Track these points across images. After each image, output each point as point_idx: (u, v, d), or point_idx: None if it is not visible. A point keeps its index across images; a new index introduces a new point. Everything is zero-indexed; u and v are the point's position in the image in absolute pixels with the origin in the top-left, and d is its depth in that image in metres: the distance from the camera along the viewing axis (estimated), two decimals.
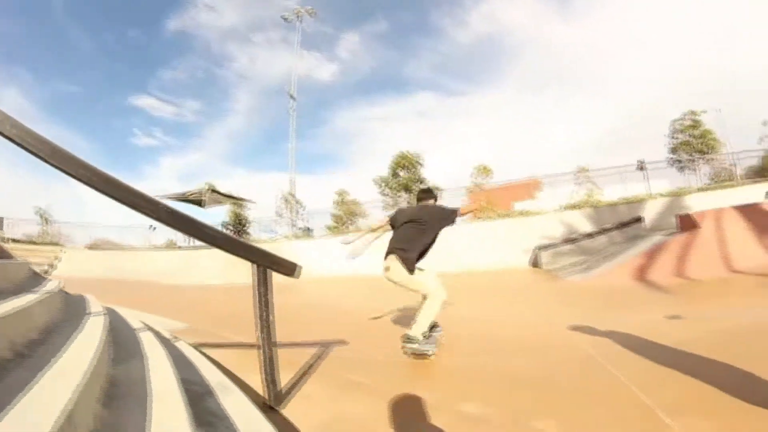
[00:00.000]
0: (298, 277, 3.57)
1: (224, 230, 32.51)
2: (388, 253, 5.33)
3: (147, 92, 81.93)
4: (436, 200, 5.82)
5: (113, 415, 2.04)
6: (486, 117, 79.21)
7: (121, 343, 3.73)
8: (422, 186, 6.01)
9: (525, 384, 3.90)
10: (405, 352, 4.87)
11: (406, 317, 7.48)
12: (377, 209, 30.37)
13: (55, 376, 1.89)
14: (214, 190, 28.01)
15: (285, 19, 36.83)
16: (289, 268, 3.50)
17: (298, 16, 36.23)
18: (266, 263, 3.29)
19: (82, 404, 1.75)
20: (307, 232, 28.18)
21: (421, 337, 4.83)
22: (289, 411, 3.29)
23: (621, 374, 3.79)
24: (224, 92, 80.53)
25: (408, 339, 4.85)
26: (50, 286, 4.20)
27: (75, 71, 65.48)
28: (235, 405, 2.70)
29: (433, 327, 5.13)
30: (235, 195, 31.47)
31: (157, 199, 2.77)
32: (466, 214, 5.80)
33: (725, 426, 2.67)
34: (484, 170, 32.84)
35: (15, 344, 2.30)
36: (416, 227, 5.30)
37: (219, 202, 30.64)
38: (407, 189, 30.88)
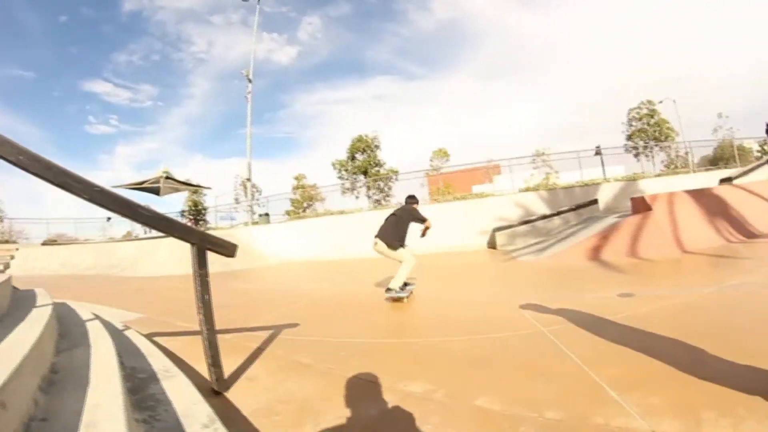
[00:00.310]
0: (235, 256, 3.63)
1: (184, 219, 32.23)
2: (376, 236, 7.78)
3: (102, 77, 79.95)
4: (417, 203, 8.29)
5: (50, 400, 2.10)
6: (446, 102, 79.67)
7: (68, 333, 3.72)
8: (409, 193, 7.36)
9: (474, 362, 3.94)
10: (386, 299, 7.38)
11: (358, 302, 7.88)
12: (335, 193, 30.24)
13: None
14: (169, 177, 27.40)
15: None
16: (227, 249, 3.53)
17: None
18: (203, 244, 3.30)
19: (16, 389, 1.78)
20: (266, 218, 27.94)
21: (398, 288, 7.30)
22: (234, 393, 3.36)
23: (570, 351, 3.85)
24: (182, 77, 79.27)
25: (388, 289, 7.36)
26: None
27: (24, 54, 63.38)
28: (178, 390, 2.73)
29: (407, 283, 7.59)
30: (191, 182, 30.89)
31: (89, 179, 2.73)
32: (427, 227, 7.80)
33: (674, 401, 2.72)
34: (442, 153, 33.13)
35: None
36: (395, 219, 7.87)
37: (175, 190, 30.11)
38: (365, 172, 30.85)
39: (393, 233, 7.68)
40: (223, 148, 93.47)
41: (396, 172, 30.22)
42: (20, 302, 4.20)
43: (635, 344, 3.79)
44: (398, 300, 7.33)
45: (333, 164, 33.21)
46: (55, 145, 67.64)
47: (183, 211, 34.21)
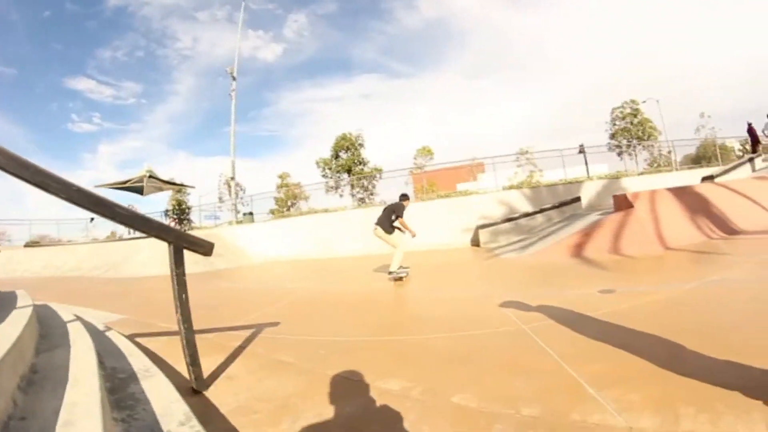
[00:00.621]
0: (211, 254, 3.68)
1: (167, 218, 32.08)
2: (375, 224, 9.85)
3: (85, 74, 79.35)
4: (408, 200, 10.45)
5: (29, 399, 2.13)
6: (433, 100, 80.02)
7: (49, 334, 3.73)
8: (402, 192, 9.51)
9: (453, 360, 3.97)
10: (389, 279, 9.43)
11: (341, 300, 7.91)
12: (320, 191, 30.20)
13: None
14: (152, 176, 27.14)
15: None
16: (203, 247, 3.55)
17: None
18: (179, 242, 3.31)
19: None
20: (250, 217, 27.81)
21: (397, 270, 9.41)
22: (213, 392, 3.40)
23: (550, 348, 3.87)
24: (166, 74, 78.95)
25: (390, 272, 9.43)
26: None
27: (6, 49, 62.57)
28: (157, 389, 2.76)
29: (402, 267, 9.54)
30: (175, 181, 30.62)
31: (67, 179, 2.73)
32: (400, 223, 9.88)
33: (653, 397, 2.74)
34: (426, 152, 33.25)
35: None
36: (388, 211, 9.91)
37: (159, 189, 29.87)
38: (349, 171, 30.85)
39: (388, 222, 9.79)
40: (207, 146, 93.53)
41: (380, 171, 30.31)
42: (0, 304, 4.19)
43: (615, 341, 3.82)
44: (399, 279, 9.49)
45: (317, 162, 33.28)
46: (38, 144, 67.22)
47: (167, 211, 34.05)
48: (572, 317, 4.82)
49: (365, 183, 29.90)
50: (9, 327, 2.81)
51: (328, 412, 2.96)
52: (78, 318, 4.78)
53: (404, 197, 10.36)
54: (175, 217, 32.87)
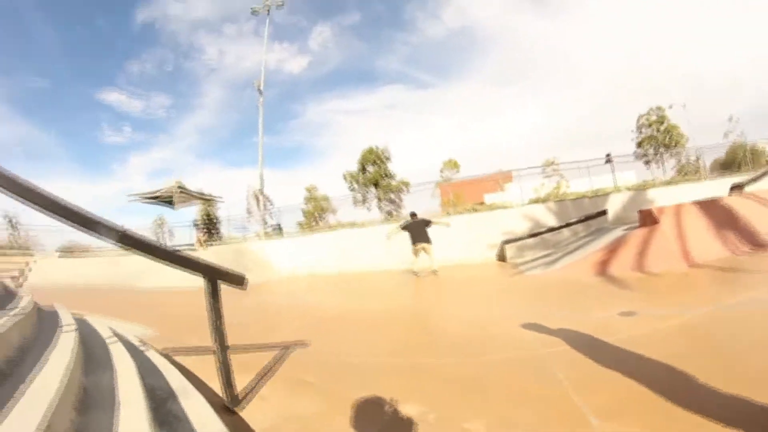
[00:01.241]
0: (245, 287, 3.99)
1: (196, 230, 32.52)
2: (417, 240, 13.46)
3: (116, 86, 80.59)
4: (417, 216, 14.20)
5: (85, 420, 2.34)
6: (457, 110, 79.82)
7: (92, 355, 3.99)
8: (411, 210, 14.90)
9: (468, 385, 4.06)
10: (432, 273, 13.21)
11: (365, 317, 8.08)
12: (347, 204, 30.65)
13: (34, 390, 2.18)
14: (182, 189, 27.56)
15: (254, 12, 35.98)
16: (237, 280, 3.85)
17: (267, 9, 35.29)
18: (215, 276, 3.62)
19: (59, 413, 2.04)
20: (279, 230, 28.09)
21: (437, 268, 13.40)
22: (246, 412, 3.62)
23: (562, 374, 3.92)
24: (194, 86, 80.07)
25: (433, 271, 13.16)
26: (23, 302, 4.42)
27: (40, 64, 64.26)
28: (195, 407, 2.99)
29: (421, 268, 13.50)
30: (204, 194, 31.02)
31: (115, 223, 3.00)
32: (436, 223, 14.11)
33: (654, 430, 2.73)
34: (452, 164, 33.27)
35: None
36: (419, 228, 13.60)
37: (189, 201, 30.33)
38: (376, 184, 30.98)
39: (425, 234, 13.52)
40: (235, 157, 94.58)
41: (407, 184, 30.45)
42: (45, 324, 4.46)
43: (626, 368, 3.79)
44: (435, 272, 13.18)
45: (344, 176, 33.45)
46: (71, 153, 68.87)
47: (196, 222, 34.54)
48: (589, 342, 4.79)
49: (392, 196, 30.10)
50: (60, 352, 3.07)
51: None
52: (115, 334, 5.06)
53: (414, 215, 14.35)
54: (204, 228, 33.30)
